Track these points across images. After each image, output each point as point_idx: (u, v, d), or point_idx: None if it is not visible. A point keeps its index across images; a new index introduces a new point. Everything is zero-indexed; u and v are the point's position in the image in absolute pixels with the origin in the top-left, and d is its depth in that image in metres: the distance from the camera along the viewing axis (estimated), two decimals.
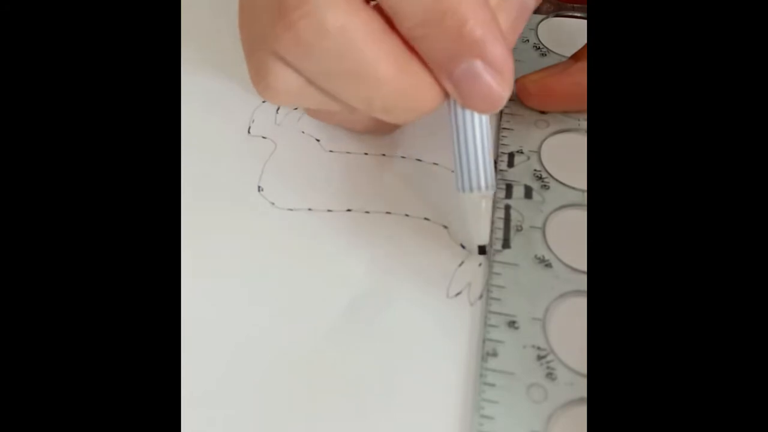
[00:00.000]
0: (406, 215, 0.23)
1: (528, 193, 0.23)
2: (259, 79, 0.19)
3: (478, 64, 0.17)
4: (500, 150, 0.24)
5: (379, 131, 0.25)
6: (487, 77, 0.17)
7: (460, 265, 0.22)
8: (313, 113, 0.25)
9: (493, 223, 0.22)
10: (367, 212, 0.23)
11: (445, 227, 0.23)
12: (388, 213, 0.23)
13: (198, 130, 0.26)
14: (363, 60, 0.17)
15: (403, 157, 0.25)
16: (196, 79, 0.28)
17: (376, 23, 0.17)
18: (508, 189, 0.23)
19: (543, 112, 0.25)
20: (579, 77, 0.24)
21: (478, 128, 0.19)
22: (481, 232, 0.21)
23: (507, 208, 0.23)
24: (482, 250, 0.21)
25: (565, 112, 0.25)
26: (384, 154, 0.25)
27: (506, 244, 0.22)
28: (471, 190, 0.19)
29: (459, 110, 0.18)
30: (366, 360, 0.20)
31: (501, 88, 0.17)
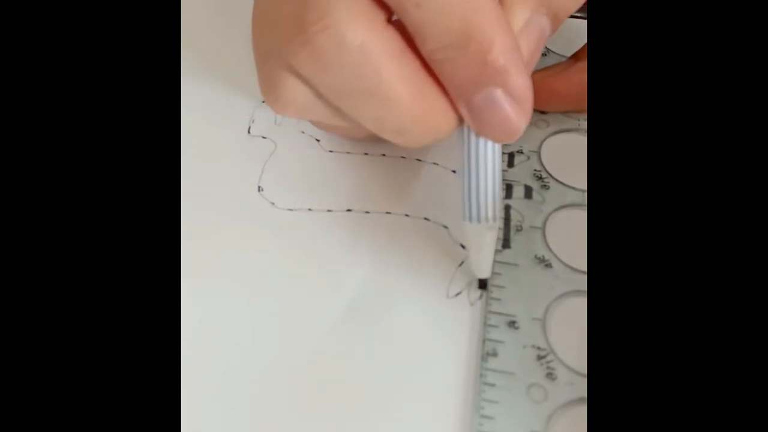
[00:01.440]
0: (406, 215, 0.23)
1: (528, 193, 0.23)
2: (269, 90, 0.18)
3: (499, 93, 0.16)
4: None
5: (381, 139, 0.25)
6: (507, 107, 0.16)
7: (460, 265, 0.22)
8: (315, 122, 0.25)
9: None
10: (367, 212, 0.23)
11: (445, 227, 0.23)
12: (388, 213, 0.23)
13: (198, 130, 0.26)
14: (379, 80, 0.16)
15: (403, 157, 0.25)
16: (196, 79, 0.28)
17: (397, 43, 0.16)
18: (508, 189, 0.23)
19: (543, 112, 0.25)
20: (579, 77, 0.24)
21: (491, 158, 0.18)
22: (483, 265, 0.20)
23: (507, 208, 0.23)
24: (483, 284, 0.21)
25: (565, 112, 0.25)
26: (384, 154, 0.25)
27: (506, 244, 0.22)
28: (478, 221, 0.18)
29: (473, 138, 0.18)
30: (366, 360, 0.20)
31: (519, 119, 0.17)
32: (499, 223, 0.19)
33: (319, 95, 0.18)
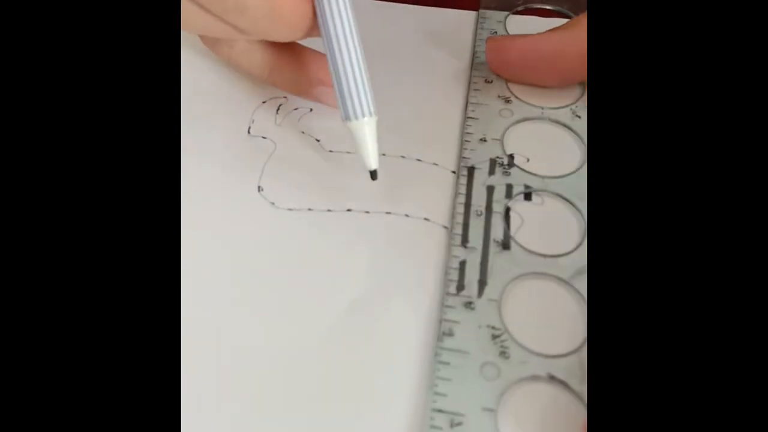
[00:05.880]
0: (406, 215, 0.23)
1: (490, 178, 0.24)
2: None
3: None
4: (464, 138, 0.25)
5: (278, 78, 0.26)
6: None
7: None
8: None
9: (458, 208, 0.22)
10: (367, 212, 0.23)
11: (445, 227, 0.23)
12: (388, 213, 0.23)
13: (198, 130, 0.26)
14: None
15: (403, 157, 0.25)
16: (196, 79, 0.28)
17: None
18: (470, 172, 0.24)
19: (507, 101, 0.26)
20: (536, 44, 0.25)
21: (352, 59, 0.20)
22: (369, 158, 0.22)
23: (468, 194, 0.23)
24: (373, 175, 0.22)
25: (527, 98, 0.26)
26: (384, 154, 0.25)
27: (465, 235, 0.22)
28: (354, 118, 0.21)
29: (335, 43, 0.20)
30: (365, 360, 0.20)
31: None
32: (375, 117, 0.21)
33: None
